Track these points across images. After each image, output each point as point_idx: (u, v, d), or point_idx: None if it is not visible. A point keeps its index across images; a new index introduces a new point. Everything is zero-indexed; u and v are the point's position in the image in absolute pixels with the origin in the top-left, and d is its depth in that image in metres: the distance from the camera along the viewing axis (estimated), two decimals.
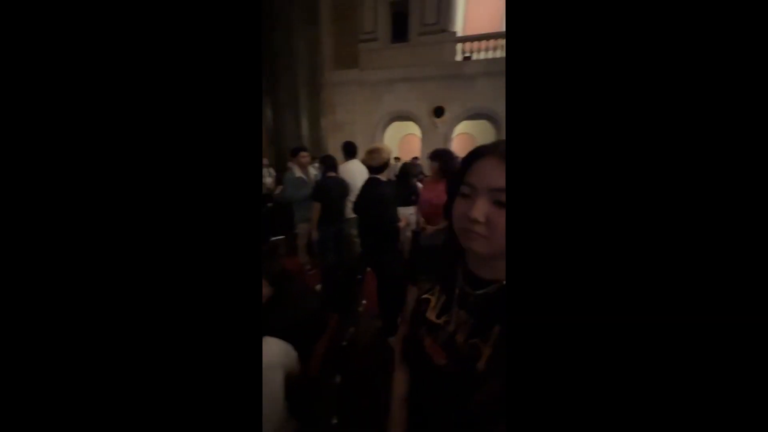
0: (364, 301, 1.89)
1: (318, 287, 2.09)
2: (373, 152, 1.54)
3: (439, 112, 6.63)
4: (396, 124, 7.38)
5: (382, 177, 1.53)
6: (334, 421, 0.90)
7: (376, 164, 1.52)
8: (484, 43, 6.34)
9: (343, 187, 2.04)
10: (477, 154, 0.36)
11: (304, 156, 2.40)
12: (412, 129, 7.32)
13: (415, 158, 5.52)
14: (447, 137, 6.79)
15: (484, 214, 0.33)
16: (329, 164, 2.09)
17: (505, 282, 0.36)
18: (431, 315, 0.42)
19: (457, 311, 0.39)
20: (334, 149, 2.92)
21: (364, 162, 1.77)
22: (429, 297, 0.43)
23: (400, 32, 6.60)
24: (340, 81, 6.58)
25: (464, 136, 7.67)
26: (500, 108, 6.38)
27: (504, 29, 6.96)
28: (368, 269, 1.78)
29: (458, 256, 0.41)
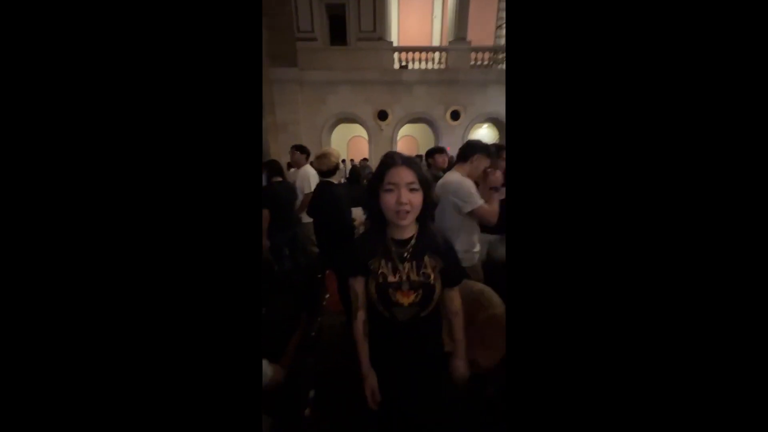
0: (327, 295, 1.91)
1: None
2: (321, 157, 1.57)
3: (383, 115, 6.95)
4: (342, 127, 7.37)
5: (333, 180, 1.56)
6: (312, 394, 0.95)
7: (326, 168, 1.56)
8: (417, 55, 6.95)
9: (290, 191, 1.98)
10: (389, 164, 0.61)
11: None
12: (359, 131, 7.45)
13: (364, 159, 5.68)
14: (392, 139, 7.17)
15: (408, 199, 0.60)
16: (273, 169, 2.01)
17: (416, 234, 0.66)
18: (389, 277, 0.65)
19: (402, 264, 0.64)
20: (277, 152, 2.73)
21: (313, 166, 1.78)
22: (375, 262, 0.65)
23: (338, 35, 6.63)
24: (279, 78, 6.18)
25: (408, 139, 8.25)
26: (437, 113, 7.12)
27: (433, 44, 7.77)
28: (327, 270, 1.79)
29: (383, 233, 0.66)
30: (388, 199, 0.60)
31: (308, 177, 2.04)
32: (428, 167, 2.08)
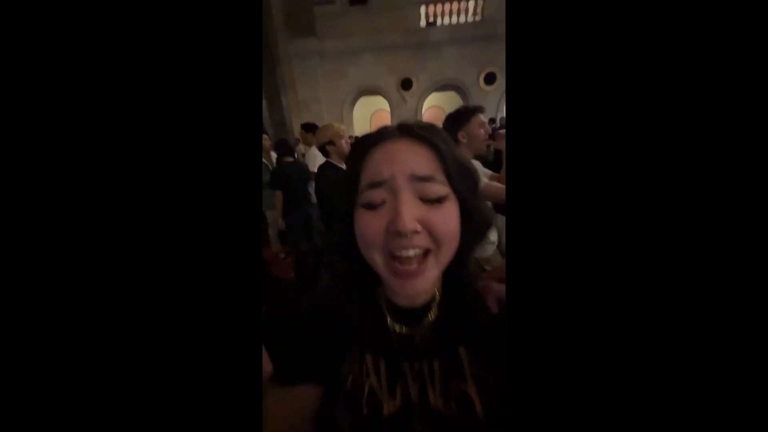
0: None
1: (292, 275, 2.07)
2: (318, 131, 1.42)
3: (407, 84, 6.40)
4: (364, 100, 7.00)
5: (334, 160, 1.37)
6: None
7: (318, 144, 1.41)
8: (448, 6, 6.03)
9: (302, 171, 1.94)
10: (378, 138, 0.28)
11: (264, 140, 2.23)
12: (382, 104, 7.02)
13: None
14: (417, 111, 6.65)
15: (420, 218, 0.25)
16: (284, 149, 1.97)
17: (438, 297, 0.29)
18: (382, 398, 0.27)
19: (411, 366, 0.27)
20: (299, 129, 2.74)
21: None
22: (352, 363, 0.28)
23: None
24: (298, 52, 5.92)
25: (435, 110, 7.59)
26: (468, 78, 6.31)
27: None
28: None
29: (372, 292, 0.31)
30: (369, 223, 0.25)
31: (313, 157, 1.96)
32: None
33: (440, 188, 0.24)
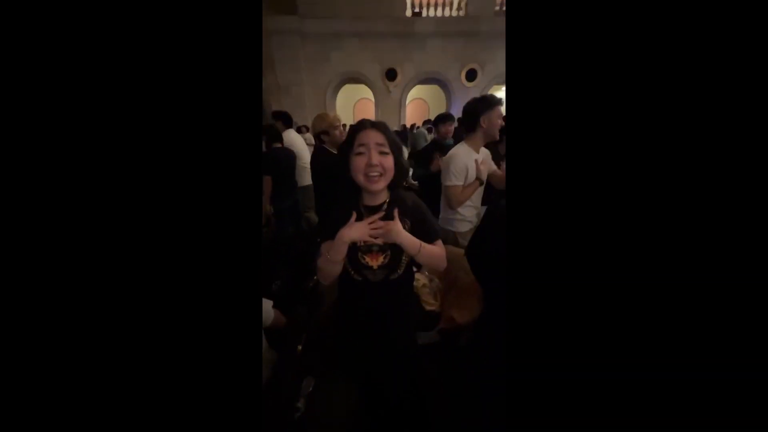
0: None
1: None
2: (315, 120, 1.53)
3: (391, 74, 6.37)
4: (348, 88, 6.85)
5: (329, 146, 1.48)
6: (299, 347, 1.10)
7: (314, 133, 1.53)
8: None
9: (290, 157, 1.96)
10: (360, 127, 0.62)
11: None
12: (366, 93, 6.93)
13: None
14: (401, 102, 6.68)
15: (378, 160, 0.59)
16: (272, 135, 1.95)
17: (387, 200, 0.65)
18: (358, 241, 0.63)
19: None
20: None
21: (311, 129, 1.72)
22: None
23: None
24: (277, 29, 5.58)
25: (418, 102, 7.67)
26: (451, 73, 6.45)
27: None
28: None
29: (356, 200, 0.66)
30: (358, 162, 0.60)
31: (292, 141, 2.03)
32: (436, 135, 1.99)
33: (386, 149, 0.61)
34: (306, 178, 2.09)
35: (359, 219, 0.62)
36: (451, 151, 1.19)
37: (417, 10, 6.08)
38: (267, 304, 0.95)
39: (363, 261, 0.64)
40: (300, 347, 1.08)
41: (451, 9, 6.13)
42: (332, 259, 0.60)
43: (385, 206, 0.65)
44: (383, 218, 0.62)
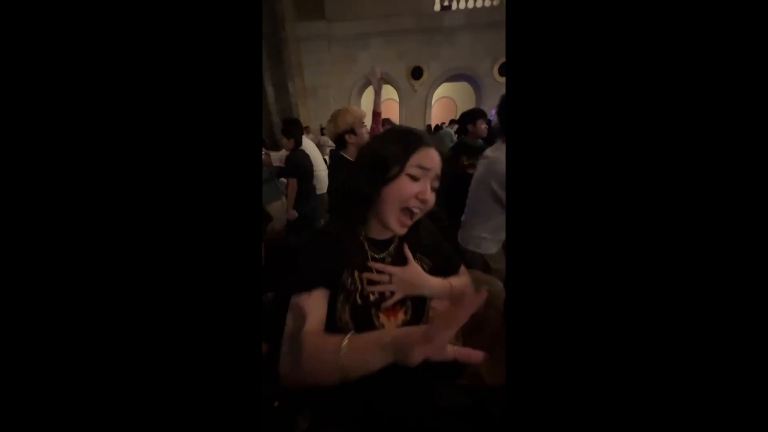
0: None
1: None
2: (336, 117, 1.20)
3: (417, 73, 6.17)
4: (372, 89, 6.81)
5: (349, 153, 1.21)
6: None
7: (337, 132, 1.23)
8: None
9: (309, 160, 1.94)
10: (419, 143, 0.42)
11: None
12: (392, 93, 6.83)
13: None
14: (426, 101, 6.45)
15: (430, 194, 0.42)
16: (300, 138, 1.96)
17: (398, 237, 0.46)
18: (366, 292, 0.44)
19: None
20: (307, 117, 2.69)
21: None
22: (347, 274, 0.44)
23: None
24: (306, 35, 5.73)
25: (445, 101, 7.35)
26: (482, 68, 6.05)
27: None
28: None
29: (355, 231, 0.46)
30: (407, 189, 0.40)
31: (308, 147, 1.97)
32: (465, 135, 1.74)
33: (438, 183, 0.44)
34: (320, 187, 2.06)
35: (361, 256, 0.44)
36: (494, 155, 0.94)
37: (446, 3, 5.79)
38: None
39: (378, 322, 0.43)
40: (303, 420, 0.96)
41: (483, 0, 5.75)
42: (311, 350, 0.36)
43: (395, 240, 0.47)
44: (394, 254, 0.45)
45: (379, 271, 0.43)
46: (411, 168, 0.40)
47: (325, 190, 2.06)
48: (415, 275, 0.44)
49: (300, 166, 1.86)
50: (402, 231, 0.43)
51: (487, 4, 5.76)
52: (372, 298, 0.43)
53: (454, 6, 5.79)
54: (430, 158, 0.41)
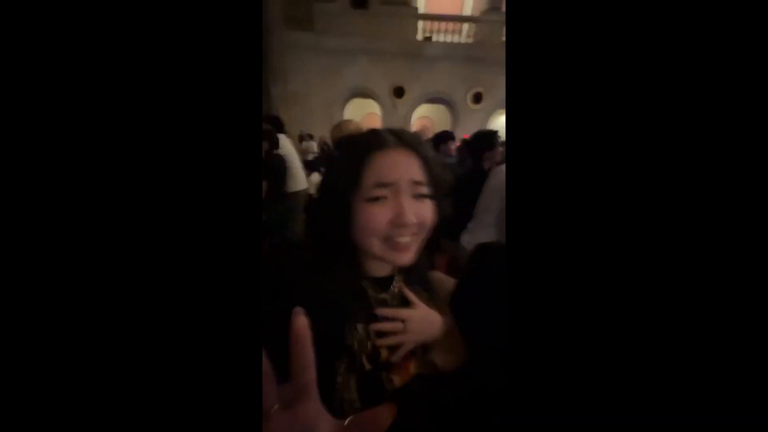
0: None
1: None
2: (339, 126, 1.31)
3: (399, 92, 6.56)
4: (356, 102, 7.04)
5: None
6: None
7: (336, 140, 1.32)
8: (444, 25, 6.34)
9: (283, 162, 1.95)
10: (378, 143, 0.31)
11: None
12: (374, 108, 7.11)
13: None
14: (407, 119, 6.83)
15: (414, 213, 0.30)
16: (275, 141, 1.94)
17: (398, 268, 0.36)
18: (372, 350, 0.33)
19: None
20: (289, 124, 2.68)
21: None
22: (355, 332, 0.33)
23: None
24: (293, 43, 5.82)
25: (424, 120, 7.85)
26: (456, 94, 6.64)
27: (463, 13, 7.05)
28: None
29: (354, 271, 0.35)
30: (373, 219, 0.30)
31: (286, 148, 2.01)
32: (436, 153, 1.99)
33: (426, 189, 0.32)
34: (296, 184, 2.06)
35: (364, 302, 0.34)
36: (501, 169, 1.09)
37: (428, 34, 6.37)
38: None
39: (389, 387, 0.34)
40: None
41: (460, 35, 6.42)
42: None
43: (396, 275, 0.37)
44: (398, 294, 0.36)
45: (388, 318, 0.33)
46: (367, 191, 0.30)
47: (300, 188, 2.06)
48: (426, 314, 0.35)
49: (273, 169, 1.85)
50: (407, 260, 0.32)
51: (464, 41, 6.45)
52: (384, 355, 0.33)
53: (434, 38, 6.38)
54: (392, 166, 0.30)
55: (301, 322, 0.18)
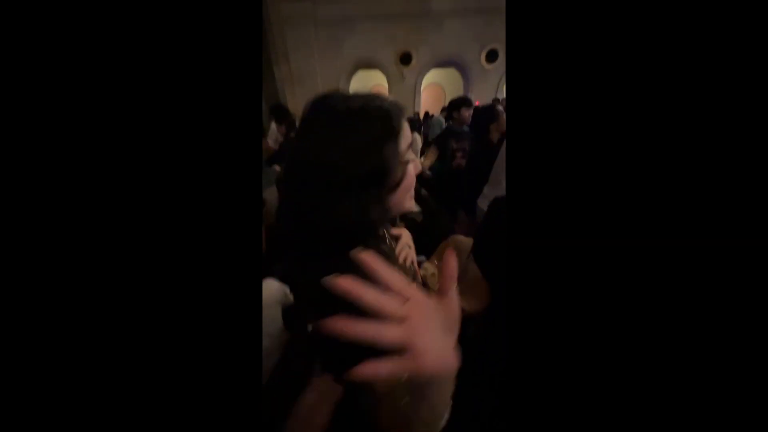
0: None
1: None
2: None
3: (406, 59, 6.11)
4: (361, 75, 6.69)
5: None
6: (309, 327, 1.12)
7: None
8: None
9: None
10: (400, 111, 0.35)
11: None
12: (381, 79, 6.73)
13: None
14: (416, 88, 6.43)
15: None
16: (292, 124, 1.98)
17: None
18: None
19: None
20: (295, 106, 2.66)
21: None
22: None
23: None
24: (290, 15, 5.50)
25: (434, 87, 7.34)
26: (470, 54, 6.05)
27: None
28: None
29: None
30: (412, 178, 0.35)
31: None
32: (451, 121, 1.93)
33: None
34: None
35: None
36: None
37: None
38: (277, 286, 0.86)
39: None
40: (311, 326, 1.07)
41: None
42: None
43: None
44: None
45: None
46: (406, 148, 0.33)
47: None
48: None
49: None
50: (413, 205, 0.37)
51: None
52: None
53: None
54: (411, 134, 0.34)
55: (368, 256, 0.19)
